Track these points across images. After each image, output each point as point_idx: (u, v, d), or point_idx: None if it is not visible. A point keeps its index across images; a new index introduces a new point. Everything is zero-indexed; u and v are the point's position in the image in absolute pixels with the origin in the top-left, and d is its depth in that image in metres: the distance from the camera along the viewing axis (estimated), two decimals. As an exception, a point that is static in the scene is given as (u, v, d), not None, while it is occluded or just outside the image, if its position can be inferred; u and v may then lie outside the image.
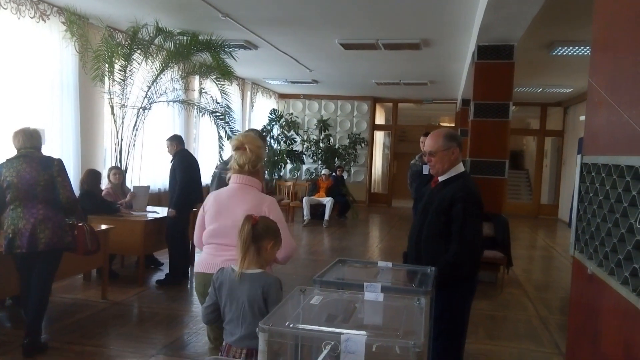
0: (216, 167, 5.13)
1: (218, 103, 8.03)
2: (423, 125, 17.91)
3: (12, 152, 3.87)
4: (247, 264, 2.23)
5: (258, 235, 2.23)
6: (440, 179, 2.84)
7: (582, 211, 1.58)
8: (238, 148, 2.73)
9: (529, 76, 9.58)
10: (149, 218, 5.80)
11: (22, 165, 3.71)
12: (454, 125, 14.55)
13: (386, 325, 1.91)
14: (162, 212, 6.21)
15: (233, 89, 10.84)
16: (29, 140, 3.83)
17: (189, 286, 5.87)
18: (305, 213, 10.79)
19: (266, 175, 12.69)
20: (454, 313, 2.69)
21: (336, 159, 13.38)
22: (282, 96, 14.93)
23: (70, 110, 6.75)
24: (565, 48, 7.07)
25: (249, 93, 12.97)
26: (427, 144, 2.83)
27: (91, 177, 5.85)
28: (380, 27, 6.96)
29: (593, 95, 1.58)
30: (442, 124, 17.82)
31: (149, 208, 6.34)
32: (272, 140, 12.96)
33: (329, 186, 11.21)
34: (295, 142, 13.47)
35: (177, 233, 5.90)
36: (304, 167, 14.29)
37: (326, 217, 10.70)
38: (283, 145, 13.07)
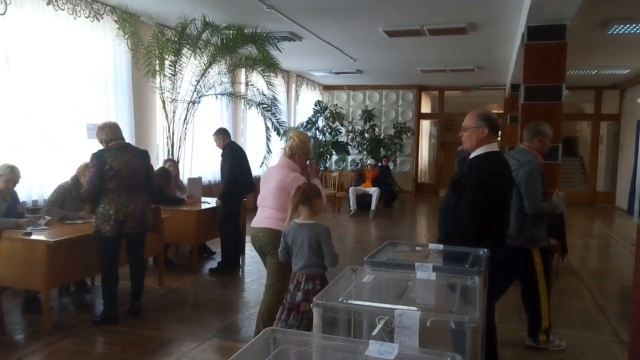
0: None
1: (264, 95, 8.14)
2: (499, 119, 17.53)
3: (83, 145, 4.15)
4: (303, 218, 3.15)
5: (307, 197, 3.13)
6: (470, 156, 2.97)
7: None
8: (288, 138, 3.70)
9: (583, 58, 9.20)
10: (202, 208, 5.96)
11: (127, 155, 4.16)
12: (502, 112, 14.14)
13: (439, 304, 1.91)
14: (213, 202, 6.38)
15: (278, 82, 10.96)
16: (118, 132, 4.26)
17: (240, 274, 6.00)
18: (351, 203, 10.80)
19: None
20: None
21: (382, 149, 13.30)
22: (327, 88, 14.95)
23: (124, 106, 7.03)
24: (622, 26, 6.74)
25: (293, 85, 13.07)
26: (465, 121, 3.00)
27: (163, 175, 6.13)
28: (424, 12, 6.85)
29: None
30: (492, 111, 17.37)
31: (202, 199, 6.51)
32: (317, 132, 13.03)
33: (374, 176, 11.17)
34: (340, 133, 13.47)
35: (229, 223, 6.05)
36: (349, 157, 14.28)
37: (372, 207, 10.67)
38: (328, 137, 13.11)
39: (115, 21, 6.71)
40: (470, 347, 1.48)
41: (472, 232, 2.71)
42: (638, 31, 6.94)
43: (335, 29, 7.98)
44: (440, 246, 2.59)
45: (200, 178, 6.92)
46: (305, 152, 3.65)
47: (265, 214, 3.61)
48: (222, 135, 6.21)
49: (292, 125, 12.46)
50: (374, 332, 1.51)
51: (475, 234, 2.70)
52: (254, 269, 6.17)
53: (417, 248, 2.93)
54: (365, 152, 13.43)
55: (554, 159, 6.11)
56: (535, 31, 5.95)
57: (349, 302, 1.69)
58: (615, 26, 6.76)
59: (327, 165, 13.44)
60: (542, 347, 3.87)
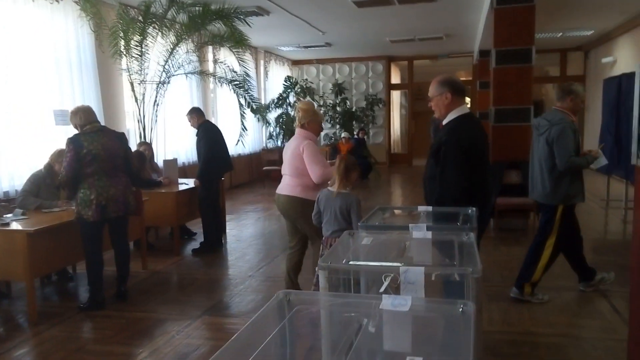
0: None
1: (235, 72, 8.01)
2: (461, 82, 17.66)
3: (52, 132, 3.99)
4: (337, 187, 3.39)
5: (347, 168, 3.39)
6: (443, 123, 3.02)
7: None
8: (296, 110, 4.15)
9: (548, 20, 9.32)
10: (180, 189, 5.89)
11: (103, 138, 4.06)
12: (471, 79, 14.29)
13: (437, 260, 1.95)
14: (190, 183, 6.31)
15: (246, 58, 10.80)
16: (92, 115, 4.16)
17: (224, 253, 5.99)
18: (328, 177, 10.83)
19: (284, 143, 12.75)
20: None
21: (354, 122, 13.32)
22: (295, 63, 14.82)
23: (91, 90, 6.84)
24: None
25: (262, 62, 12.90)
26: (429, 90, 3.04)
27: (138, 158, 5.97)
28: (393, -20, 6.82)
29: None
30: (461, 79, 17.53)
31: (179, 180, 6.43)
32: (288, 108, 12.95)
33: (349, 149, 11.19)
34: (312, 107, 13.42)
35: (209, 203, 6.00)
36: (322, 132, 14.26)
37: (349, 179, 10.72)
38: (300, 112, 13.03)
39: (75, 2, 6.47)
40: (474, 297, 1.52)
41: (463, 196, 2.76)
42: (602, -9, 7.08)
43: (303, 1, 7.88)
44: (429, 208, 2.64)
45: (175, 159, 6.82)
46: (313, 118, 3.87)
47: (285, 182, 3.96)
48: (195, 114, 6.10)
49: (263, 102, 12.33)
50: (382, 289, 1.54)
51: (466, 197, 2.75)
52: (236, 247, 6.17)
53: (405, 212, 2.96)
54: (338, 126, 13.43)
55: (526, 120, 6.24)
56: (504, -6, 6.00)
57: (355, 262, 1.71)
58: (581, -14, 6.86)
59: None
60: (525, 299, 4.01)
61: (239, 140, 7.95)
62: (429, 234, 2.02)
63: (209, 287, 4.77)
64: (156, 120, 7.35)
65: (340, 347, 1.33)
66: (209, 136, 5.95)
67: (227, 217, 7.11)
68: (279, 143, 12.91)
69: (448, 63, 15.24)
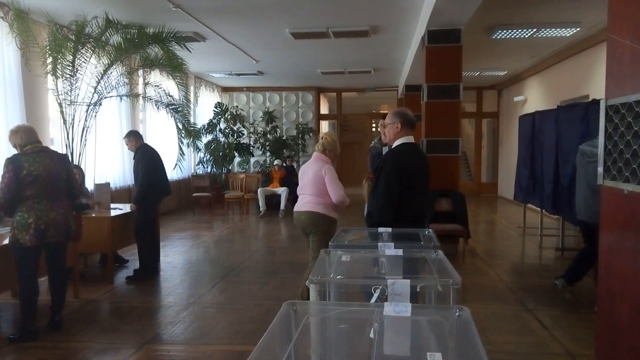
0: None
1: (171, 96, 7.92)
2: (365, 114, 18.38)
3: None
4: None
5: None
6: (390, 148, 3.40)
7: (611, 146, 1.83)
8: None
9: (468, 60, 10.07)
10: (115, 214, 5.68)
11: (46, 159, 3.88)
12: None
13: (411, 275, 2.08)
14: (124, 208, 6.11)
15: (180, 83, 10.67)
16: (34, 135, 3.97)
17: (160, 280, 5.80)
18: (260, 204, 10.83)
19: (214, 169, 12.63)
20: None
21: (285, 150, 13.48)
22: (225, 89, 14.82)
23: (15, 110, 6.48)
24: (505, 31, 7.54)
25: (192, 87, 12.79)
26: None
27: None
28: (331, 14, 7.12)
29: (615, 47, 1.82)
30: (382, 112, 18.30)
31: (111, 205, 6.19)
32: (219, 134, 12.90)
33: (282, 176, 11.30)
34: (243, 135, 13.46)
35: (146, 228, 5.83)
36: (252, 159, 14.30)
37: (282, 206, 10.80)
38: (230, 139, 13.02)
39: (2, 18, 6.17)
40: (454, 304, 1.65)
41: (389, 212, 3.08)
42: (519, 36, 7.80)
43: (241, 29, 8.00)
44: (389, 229, 2.78)
45: (107, 184, 6.57)
46: (335, 147, 4.43)
47: (306, 200, 4.34)
48: (133, 137, 5.96)
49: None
50: (373, 300, 1.64)
51: (392, 214, 3.08)
52: (173, 274, 6.01)
53: (366, 233, 3.09)
54: (268, 153, 13.52)
55: (455, 152, 6.67)
56: (435, 35, 6.46)
57: (343, 277, 1.80)
58: (500, 31, 7.53)
59: (230, 168, 13.34)
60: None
61: (176, 165, 7.81)
62: (400, 252, 2.15)
63: (150, 314, 4.61)
64: (85, 144, 7.06)
65: (346, 354, 1.40)
66: (147, 159, 5.82)
67: (162, 243, 6.91)
68: (209, 169, 12.77)
69: (373, 96, 15.92)
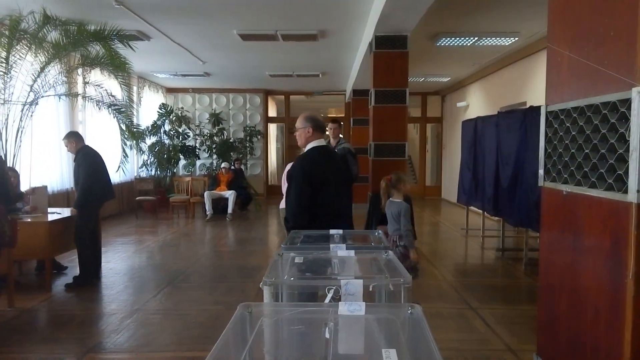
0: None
1: (114, 96, 7.66)
2: (321, 119, 18.41)
3: None
4: (395, 197, 4.51)
5: (393, 184, 4.52)
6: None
7: (551, 149, 1.92)
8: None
9: (413, 66, 10.34)
10: (53, 219, 5.42)
11: None
12: (343, 115, 15.15)
13: (365, 275, 2.11)
14: (63, 212, 5.85)
15: (122, 83, 10.34)
16: None
17: (101, 287, 5.58)
18: (207, 208, 10.64)
19: (158, 172, 12.30)
20: None
21: (232, 153, 13.33)
22: (170, 90, 14.49)
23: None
24: (449, 39, 7.79)
25: (135, 88, 12.41)
26: (296, 123, 3.49)
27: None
28: (280, 17, 7.12)
29: (554, 56, 1.91)
30: (330, 115, 18.45)
31: (49, 209, 5.91)
32: (163, 136, 12.59)
33: (229, 179, 11.16)
34: (188, 137, 13.20)
35: (87, 233, 5.60)
36: (199, 162, 14.05)
37: (229, 210, 10.66)
38: (176, 141, 12.74)
39: None
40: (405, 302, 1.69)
41: (303, 216, 3.18)
42: (461, 44, 8.08)
43: (187, 29, 7.85)
44: (340, 231, 2.81)
45: (45, 187, 6.27)
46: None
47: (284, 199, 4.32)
48: (73, 139, 5.72)
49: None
50: (326, 300, 1.64)
51: (306, 217, 3.18)
52: (116, 281, 5.80)
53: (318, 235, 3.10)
54: (215, 156, 13.32)
55: (402, 155, 6.81)
56: (382, 41, 6.59)
57: (298, 278, 1.79)
58: (444, 39, 7.78)
59: (175, 171, 13.05)
60: None
61: (119, 167, 7.55)
62: (352, 253, 2.18)
63: (91, 323, 4.42)
64: (20, 145, 6.70)
65: (301, 355, 1.40)
66: (89, 162, 5.60)
67: (104, 249, 6.65)
68: (153, 172, 12.43)
69: (321, 100, 16.03)
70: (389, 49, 6.62)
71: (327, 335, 1.40)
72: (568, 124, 1.76)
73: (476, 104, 11.58)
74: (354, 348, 1.44)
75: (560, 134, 1.80)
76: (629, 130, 1.38)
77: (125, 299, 5.10)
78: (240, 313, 1.38)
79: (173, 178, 12.30)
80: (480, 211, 8.07)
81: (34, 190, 5.86)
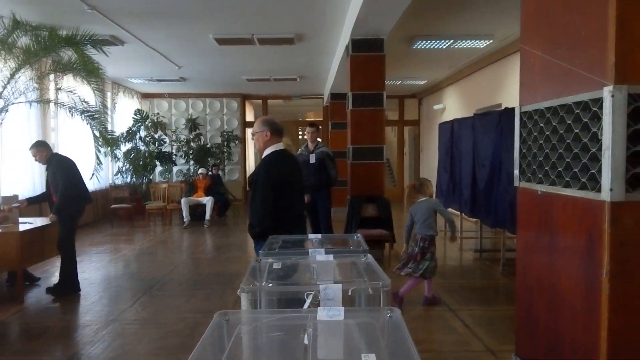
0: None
1: (87, 102, 7.50)
2: (291, 121, 18.42)
3: None
4: (421, 198, 4.89)
5: (418, 189, 4.93)
6: (262, 157, 3.51)
7: (525, 150, 1.93)
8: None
9: (390, 69, 10.38)
10: (25, 229, 5.28)
11: None
12: (321, 119, 15.15)
13: (344, 279, 2.08)
14: (35, 222, 5.70)
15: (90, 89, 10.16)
16: None
17: (76, 298, 5.44)
18: (185, 215, 10.50)
19: (134, 179, 12.10)
20: None
21: (210, 158, 13.20)
22: (145, 96, 14.30)
23: None
24: (425, 42, 7.85)
25: (109, 93, 12.21)
26: (253, 127, 3.55)
27: None
28: (256, 21, 7.08)
29: (527, 58, 1.92)
30: (308, 119, 18.45)
31: (20, 219, 5.76)
32: (139, 142, 12.40)
33: (207, 185, 11.04)
34: (164, 143, 13.03)
35: (71, 240, 5.51)
36: (175, 168, 13.89)
37: (207, 217, 10.54)
38: (151, 147, 12.56)
39: None
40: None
41: (268, 220, 3.24)
42: (437, 47, 8.15)
43: (162, 34, 7.76)
44: (319, 235, 2.79)
45: (16, 196, 6.12)
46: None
47: None
48: (43, 148, 5.59)
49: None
50: (305, 306, 1.62)
51: (271, 221, 3.24)
52: (90, 291, 5.66)
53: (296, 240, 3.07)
54: (192, 162, 13.18)
55: (379, 158, 6.83)
56: (358, 44, 6.61)
57: (277, 284, 1.76)
58: (420, 42, 7.84)
59: (151, 178, 12.85)
60: None
61: (93, 174, 7.40)
62: (331, 257, 2.15)
63: (67, 334, 4.31)
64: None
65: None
66: (65, 166, 5.50)
67: (79, 258, 6.50)
68: (129, 179, 12.22)
69: (299, 104, 16.01)
70: (366, 52, 6.63)
71: (306, 341, 1.37)
72: (542, 124, 1.77)
73: (453, 106, 11.70)
74: (334, 353, 1.42)
75: (535, 134, 1.82)
76: (601, 129, 1.40)
77: (100, 310, 4.99)
78: (217, 321, 1.34)
79: (149, 185, 12.12)
80: (458, 212, 8.13)
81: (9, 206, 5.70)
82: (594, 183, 1.48)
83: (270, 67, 10.58)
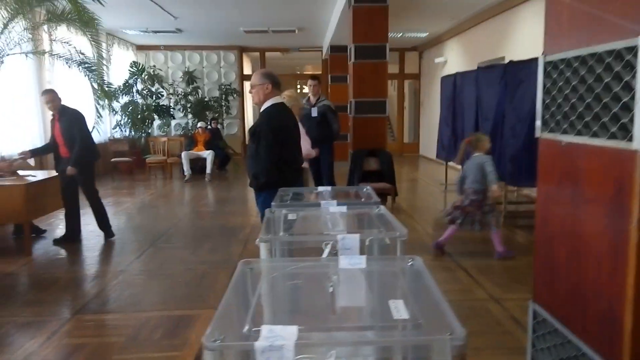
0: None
1: (83, 54, 7.35)
2: (290, 74, 18.16)
3: None
4: (477, 153, 4.91)
5: (474, 145, 4.96)
6: (260, 110, 3.56)
7: (549, 100, 1.92)
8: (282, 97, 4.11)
9: (391, 22, 10.12)
10: (31, 181, 5.28)
11: None
12: (320, 72, 14.93)
13: (357, 229, 2.12)
14: (38, 175, 5.70)
15: (85, 40, 9.93)
16: None
17: (83, 248, 5.53)
18: (185, 169, 10.50)
19: (133, 133, 12.02)
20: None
21: (208, 112, 13.08)
22: (140, 48, 14.01)
23: None
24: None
25: (104, 45, 11.94)
26: (251, 79, 3.58)
27: None
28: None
29: (554, 5, 1.89)
30: (307, 72, 18.19)
31: (23, 172, 5.75)
32: (136, 96, 12.24)
33: (207, 139, 10.99)
34: (162, 96, 12.87)
35: (95, 188, 5.75)
36: (174, 122, 13.78)
37: (208, 170, 10.56)
38: (149, 101, 12.42)
39: None
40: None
41: (274, 172, 3.34)
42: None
43: (159, -18, 7.53)
44: (329, 188, 2.80)
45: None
46: (297, 103, 4.61)
47: None
48: (57, 95, 5.57)
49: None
50: (324, 255, 1.65)
51: (277, 171, 3.34)
52: (97, 243, 5.74)
53: (308, 192, 3.11)
54: (190, 116, 13.07)
55: (382, 112, 6.79)
56: (362, -6, 6.44)
57: (295, 234, 1.79)
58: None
59: (149, 132, 12.76)
60: None
61: (93, 127, 7.33)
62: (344, 208, 2.18)
63: (76, 285, 4.40)
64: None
65: (305, 308, 1.41)
66: (80, 118, 5.58)
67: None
68: (127, 133, 12.14)
69: (298, 56, 15.73)
70: (369, 3, 6.48)
71: (330, 289, 1.41)
72: (568, 74, 1.76)
73: (454, 59, 11.53)
74: (355, 301, 1.46)
75: (560, 84, 1.81)
76: (635, 79, 1.39)
77: (107, 261, 5.08)
78: (241, 269, 1.37)
79: (148, 139, 12.06)
80: (459, 167, 8.16)
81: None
82: (624, 133, 1.48)
83: (269, 19, 10.33)
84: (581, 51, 1.67)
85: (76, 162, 5.46)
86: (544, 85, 1.95)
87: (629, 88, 1.46)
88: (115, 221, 6.87)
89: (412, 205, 7.62)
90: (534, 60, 5.58)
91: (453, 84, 7.93)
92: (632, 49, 1.43)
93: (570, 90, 1.76)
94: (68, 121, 5.48)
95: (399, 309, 1.18)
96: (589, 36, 1.64)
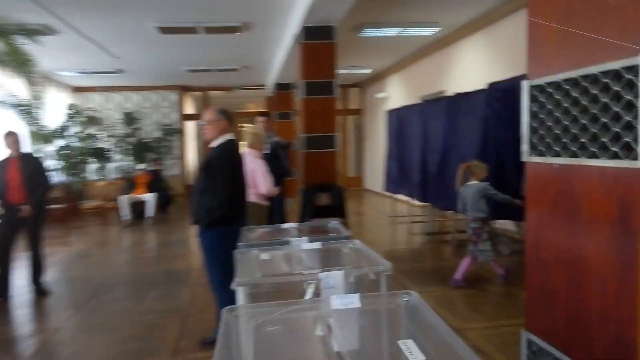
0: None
1: (15, 96, 6.93)
2: (233, 113, 17.99)
3: None
4: (472, 181, 4.96)
5: (471, 171, 5.00)
6: (212, 145, 3.58)
7: (537, 124, 1.90)
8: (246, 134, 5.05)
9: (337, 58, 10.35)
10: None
11: None
12: (263, 110, 14.87)
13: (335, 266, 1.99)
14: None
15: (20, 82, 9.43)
16: None
17: (11, 307, 5.01)
18: (125, 213, 10.00)
19: (68, 178, 11.37)
20: (216, 249, 3.35)
21: (148, 153, 12.66)
22: (78, 89, 13.49)
23: None
24: (374, 30, 7.84)
25: (39, 87, 11.37)
26: (205, 116, 3.61)
27: None
28: (201, 9, 6.78)
29: (537, 30, 1.88)
30: (251, 110, 18.12)
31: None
32: (72, 139, 11.65)
33: (148, 181, 10.57)
34: (99, 139, 12.33)
35: (42, 236, 5.53)
36: (113, 165, 13.21)
37: (150, 214, 10.11)
38: (87, 143, 11.85)
39: None
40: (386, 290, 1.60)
41: (227, 205, 3.35)
42: (387, 35, 8.16)
43: (100, 22, 7.28)
44: (295, 224, 2.68)
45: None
46: (259, 139, 5.12)
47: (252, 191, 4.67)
48: (19, 137, 5.25)
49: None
50: (307, 296, 1.51)
51: (230, 206, 3.37)
52: (29, 299, 5.23)
53: (272, 229, 2.96)
54: (131, 157, 12.58)
55: (332, 147, 6.76)
56: (310, 32, 6.49)
57: (274, 276, 1.64)
58: (367, 29, 7.81)
59: (85, 176, 12.08)
60: None
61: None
62: (318, 245, 2.05)
63: (7, 348, 3.95)
64: None
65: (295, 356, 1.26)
66: (41, 163, 5.55)
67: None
68: (61, 179, 11.46)
69: (240, 95, 15.67)
70: (318, 40, 6.53)
71: (320, 332, 1.27)
72: (559, 97, 1.76)
73: (396, 94, 11.84)
74: (349, 344, 1.32)
75: (549, 107, 1.80)
76: (638, 97, 1.39)
77: (42, 318, 4.63)
78: (226, 319, 1.21)
79: (84, 183, 11.45)
80: (406, 198, 8.25)
81: None
82: (628, 152, 1.47)
83: (212, 58, 10.24)
84: (570, 73, 1.67)
85: (40, 204, 5.28)
86: (530, 110, 1.94)
87: (631, 107, 1.46)
88: (50, 273, 6.35)
89: (363, 239, 7.46)
90: (480, 92, 5.80)
91: (399, 117, 8.07)
92: (632, 68, 1.44)
93: (563, 112, 1.76)
94: (34, 165, 5.33)
95: (412, 350, 1.06)
96: (582, 58, 1.65)
